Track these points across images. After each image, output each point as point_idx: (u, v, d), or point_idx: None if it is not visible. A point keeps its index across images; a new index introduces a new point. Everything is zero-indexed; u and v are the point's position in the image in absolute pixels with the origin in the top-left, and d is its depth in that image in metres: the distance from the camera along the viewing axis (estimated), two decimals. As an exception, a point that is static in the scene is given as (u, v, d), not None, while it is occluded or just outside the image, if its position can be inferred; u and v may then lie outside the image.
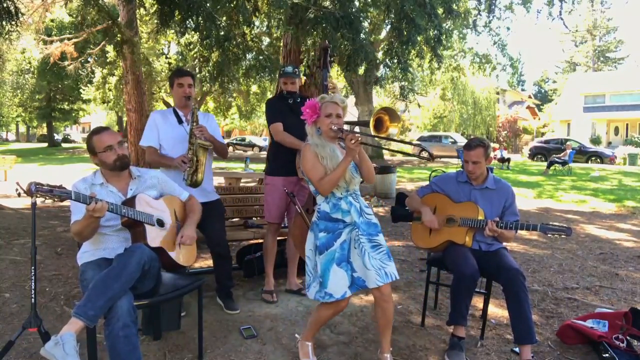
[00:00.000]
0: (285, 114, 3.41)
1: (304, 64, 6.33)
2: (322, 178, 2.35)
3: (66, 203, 2.15)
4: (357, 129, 2.95)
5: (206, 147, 3.06)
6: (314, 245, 2.41)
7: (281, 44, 7.53)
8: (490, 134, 31.68)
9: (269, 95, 18.16)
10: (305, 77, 6.35)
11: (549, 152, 21.46)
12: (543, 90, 55.29)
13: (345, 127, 2.50)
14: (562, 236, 2.67)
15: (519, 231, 2.85)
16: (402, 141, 3.02)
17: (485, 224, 2.75)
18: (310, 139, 2.48)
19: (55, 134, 36.03)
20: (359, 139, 2.29)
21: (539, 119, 38.80)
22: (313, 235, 2.43)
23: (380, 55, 9.62)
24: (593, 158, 21.99)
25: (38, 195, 1.98)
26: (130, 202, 2.32)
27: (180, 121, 3.19)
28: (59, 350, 1.82)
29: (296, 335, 2.73)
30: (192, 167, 2.99)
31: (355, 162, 2.44)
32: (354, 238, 2.37)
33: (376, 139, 2.53)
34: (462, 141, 23.23)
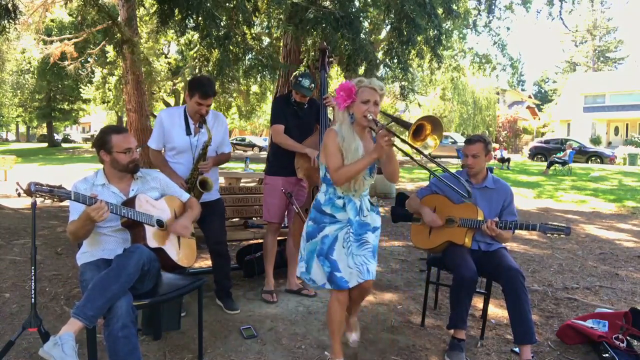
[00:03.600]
0: (289, 116, 3.41)
1: (303, 64, 6.33)
2: (339, 168, 2.24)
3: (66, 203, 2.14)
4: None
5: (203, 191, 3.00)
6: (305, 230, 2.42)
7: (281, 44, 7.52)
8: (490, 134, 31.67)
9: (269, 95, 18.14)
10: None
11: (549, 152, 21.46)
12: (543, 90, 55.28)
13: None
14: (562, 235, 2.67)
15: (518, 231, 2.85)
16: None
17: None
18: (338, 127, 2.31)
19: (55, 134, 35.98)
20: (393, 140, 2.11)
21: (539, 119, 38.80)
22: (307, 220, 2.44)
23: (380, 55, 9.61)
24: (593, 158, 22.00)
25: (37, 195, 1.97)
26: (130, 202, 2.31)
27: (188, 132, 3.08)
28: (57, 350, 1.82)
29: (326, 352, 2.62)
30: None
31: (381, 159, 2.29)
32: (343, 237, 2.30)
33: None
34: (462, 141, 23.21)
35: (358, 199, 2.36)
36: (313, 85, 3.39)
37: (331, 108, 3.63)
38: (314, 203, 2.42)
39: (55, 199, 2.01)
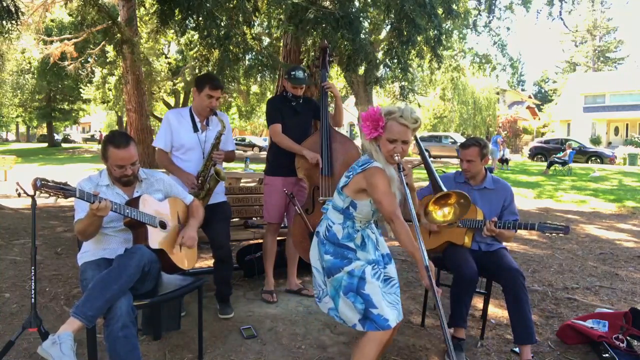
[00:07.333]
0: (287, 115, 3.40)
1: (304, 64, 6.33)
2: (397, 209, 1.99)
3: (67, 203, 2.14)
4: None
5: (218, 180, 3.04)
6: (320, 263, 2.15)
7: (281, 44, 7.53)
8: (490, 134, 31.68)
9: (269, 95, 18.16)
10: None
11: (549, 152, 21.48)
12: (543, 90, 55.27)
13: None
14: (561, 235, 2.67)
15: (518, 231, 2.85)
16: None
17: (484, 224, 2.75)
18: (384, 166, 2.02)
19: (55, 134, 35.99)
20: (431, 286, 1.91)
21: (539, 119, 38.81)
22: (318, 252, 2.15)
23: (380, 55, 9.62)
24: (593, 158, 22.00)
25: (43, 191, 1.96)
26: (134, 203, 2.31)
27: (195, 129, 3.11)
28: (55, 349, 1.82)
29: None
30: (202, 192, 2.98)
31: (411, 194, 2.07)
32: (370, 272, 2.05)
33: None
34: (462, 141, 23.14)
35: (373, 232, 2.20)
36: (306, 74, 3.42)
37: (331, 94, 3.64)
38: (328, 235, 2.12)
39: (60, 196, 2.00)
